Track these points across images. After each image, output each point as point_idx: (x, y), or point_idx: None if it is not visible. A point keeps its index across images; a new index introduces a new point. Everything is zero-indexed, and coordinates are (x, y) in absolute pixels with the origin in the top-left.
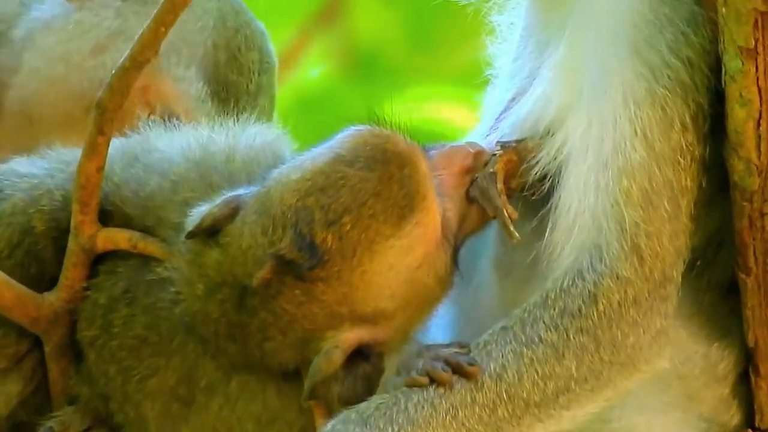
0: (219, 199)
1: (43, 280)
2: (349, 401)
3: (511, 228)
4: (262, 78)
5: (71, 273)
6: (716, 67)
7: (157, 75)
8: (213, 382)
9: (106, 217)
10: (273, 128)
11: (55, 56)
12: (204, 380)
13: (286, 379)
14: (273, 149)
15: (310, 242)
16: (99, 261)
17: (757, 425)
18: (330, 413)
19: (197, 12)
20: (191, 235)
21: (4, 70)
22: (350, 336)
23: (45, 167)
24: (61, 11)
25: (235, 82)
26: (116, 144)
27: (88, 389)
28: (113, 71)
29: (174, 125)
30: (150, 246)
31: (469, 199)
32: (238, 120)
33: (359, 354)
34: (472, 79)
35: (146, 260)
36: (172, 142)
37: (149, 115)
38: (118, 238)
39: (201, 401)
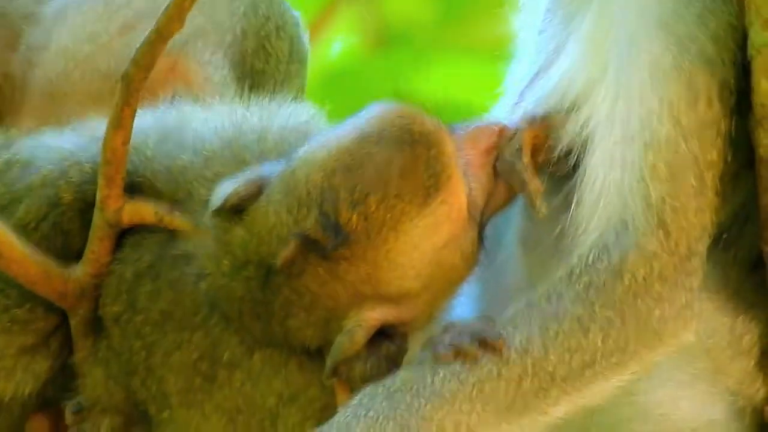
0: (243, 177)
1: (68, 253)
2: (373, 381)
3: (538, 203)
4: (291, 67)
5: (96, 247)
6: (742, 41)
7: (183, 57)
8: (235, 357)
9: (135, 188)
10: (307, 109)
11: (83, 35)
12: (226, 355)
13: (308, 356)
14: (306, 130)
15: (335, 222)
16: (125, 234)
17: None
18: (351, 391)
19: None
20: (216, 213)
21: (32, 48)
22: (373, 315)
23: (76, 140)
24: None
25: (261, 70)
26: (151, 119)
27: (103, 371)
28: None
29: (208, 104)
30: (176, 220)
31: (495, 175)
32: (271, 100)
33: (383, 334)
34: (498, 53)
35: (172, 234)
36: (206, 121)
37: (171, 97)
38: (144, 211)
39: (223, 377)
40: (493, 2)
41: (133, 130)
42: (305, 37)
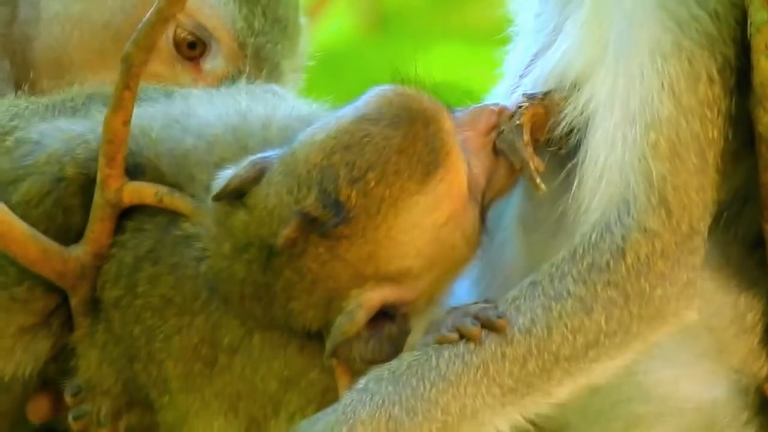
0: (245, 162)
1: (68, 232)
2: (374, 361)
3: (538, 180)
4: None
5: (97, 227)
6: (742, 19)
7: None
8: (235, 341)
9: (139, 168)
10: (311, 103)
11: None
12: (227, 339)
13: (309, 338)
14: (309, 119)
15: (334, 199)
16: (127, 218)
17: None
18: (352, 373)
19: None
20: (218, 197)
21: (26, 23)
22: (374, 296)
23: (87, 124)
24: None
25: None
26: (158, 107)
27: (98, 354)
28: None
29: (214, 93)
30: (176, 201)
31: (496, 153)
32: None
33: (385, 314)
34: (495, 35)
35: (173, 218)
36: (212, 109)
37: (176, 31)
38: (145, 192)
39: (223, 362)
40: None
41: (141, 115)
42: None
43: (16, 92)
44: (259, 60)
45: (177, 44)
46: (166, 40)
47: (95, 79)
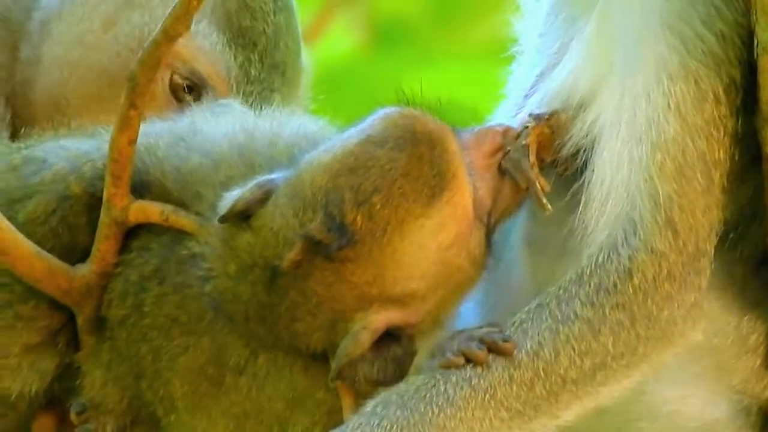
0: (251, 183)
1: (74, 251)
2: (380, 383)
3: (544, 200)
4: (278, 18)
5: (103, 245)
6: (748, 39)
7: None
8: (241, 361)
9: (144, 187)
10: (318, 121)
11: (70, 40)
12: (233, 359)
13: (314, 359)
14: (316, 137)
15: (339, 222)
16: (132, 237)
17: None
18: (357, 394)
19: None
20: (223, 219)
21: (27, 64)
22: (379, 318)
23: (91, 142)
24: None
25: (250, 27)
26: (164, 125)
27: (103, 373)
28: (145, 45)
29: (215, 106)
30: (182, 220)
31: (501, 174)
32: (281, 108)
33: (390, 336)
34: (496, 54)
35: (179, 237)
36: (218, 127)
37: (172, 77)
38: (150, 211)
39: (230, 382)
40: (488, 3)
41: (146, 133)
42: None
43: (11, 133)
44: (256, 105)
45: (173, 89)
46: (162, 85)
47: (92, 122)
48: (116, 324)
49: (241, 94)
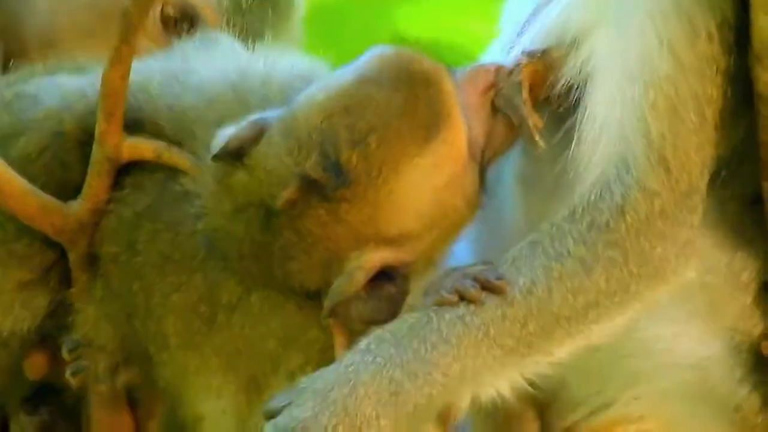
0: (244, 122)
1: (67, 188)
2: (372, 321)
3: (537, 136)
4: None
5: (95, 182)
6: None
7: None
8: (233, 299)
9: (137, 125)
10: (311, 60)
11: None
12: (225, 297)
13: (308, 298)
14: (309, 76)
15: (335, 162)
16: (125, 174)
17: None
18: (349, 332)
19: None
20: (216, 157)
21: (19, 6)
22: (374, 257)
23: (85, 78)
24: None
25: None
26: (157, 63)
27: (96, 310)
28: None
29: (213, 48)
30: (175, 156)
31: (494, 111)
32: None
33: (384, 275)
34: None
35: (172, 174)
36: (211, 65)
37: (164, 8)
38: (143, 148)
39: (222, 320)
40: None
41: (138, 71)
42: None
43: (4, 67)
44: (247, 38)
45: (164, 21)
46: (153, 16)
47: (84, 56)
48: (109, 261)
49: (231, 25)
